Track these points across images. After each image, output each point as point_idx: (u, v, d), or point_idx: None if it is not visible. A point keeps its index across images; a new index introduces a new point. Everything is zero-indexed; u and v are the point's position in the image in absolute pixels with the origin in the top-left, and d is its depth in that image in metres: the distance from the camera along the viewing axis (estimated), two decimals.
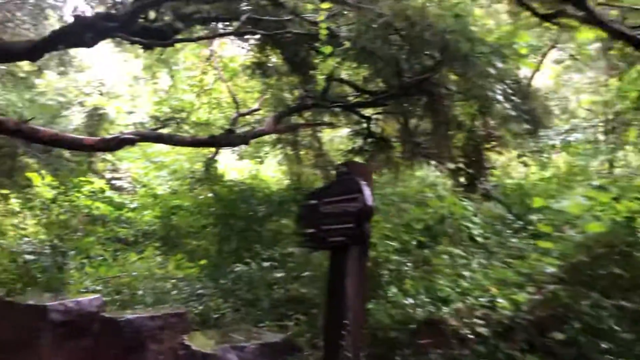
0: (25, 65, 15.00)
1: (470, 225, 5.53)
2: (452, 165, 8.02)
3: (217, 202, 8.53)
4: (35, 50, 6.91)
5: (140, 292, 6.36)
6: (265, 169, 14.72)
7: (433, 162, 8.70)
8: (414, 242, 5.27)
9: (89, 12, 7.34)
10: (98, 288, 7.21)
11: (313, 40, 8.69)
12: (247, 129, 9.16)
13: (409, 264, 4.90)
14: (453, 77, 8.09)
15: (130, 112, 15.15)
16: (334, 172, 4.80)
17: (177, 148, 13.43)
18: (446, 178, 8.30)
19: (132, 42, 8.25)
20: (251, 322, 5.72)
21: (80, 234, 8.34)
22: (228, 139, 7.62)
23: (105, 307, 5.43)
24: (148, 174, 14.02)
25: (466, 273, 4.55)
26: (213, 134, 8.36)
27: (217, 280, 6.89)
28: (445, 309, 4.01)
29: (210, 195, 9.06)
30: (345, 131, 12.57)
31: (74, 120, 15.68)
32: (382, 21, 6.88)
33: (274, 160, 15.40)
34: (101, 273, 7.84)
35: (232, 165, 14.34)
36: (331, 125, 9.95)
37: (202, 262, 7.85)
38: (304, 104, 8.37)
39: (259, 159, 14.50)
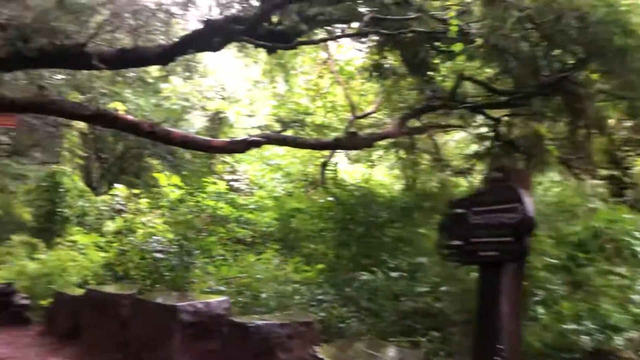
0: (153, 71, 15.92)
1: (631, 240, 4.83)
2: (596, 172, 7.23)
3: (337, 206, 8.36)
4: (166, 55, 7.14)
5: (263, 296, 6.28)
6: (376, 173, 14.41)
7: (571, 169, 7.94)
8: (566, 258, 4.70)
9: (217, 16, 7.45)
10: (221, 288, 7.31)
11: (434, 40, 8.29)
12: (369, 131, 8.92)
13: (561, 282, 4.36)
14: (595, 75, 7.33)
15: (249, 116, 15.54)
16: (486, 178, 4.38)
17: (293, 151, 13.54)
18: (590, 186, 7.50)
19: (257, 45, 8.33)
20: (376, 334, 5.45)
21: (204, 234, 8.53)
22: (352, 141, 7.43)
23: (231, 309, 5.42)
24: (264, 176, 14.29)
25: (635, 297, 3.94)
26: (335, 136, 8.22)
27: (338, 287, 6.68)
28: (616, 338, 3.46)
29: (329, 198, 8.92)
30: (462, 134, 11.98)
31: (195, 124, 16.44)
32: (520, 15, 6.34)
33: (385, 164, 15.05)
34: (223, 273, 7.98)
35: (343, 169, 14.23)
36: (458, 128, 9.43)
37: (319, 266, 7.72)
38: (430, 105, 7.96)
39: (372, 163, 14.21)
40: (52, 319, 6.70)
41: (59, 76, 13.61)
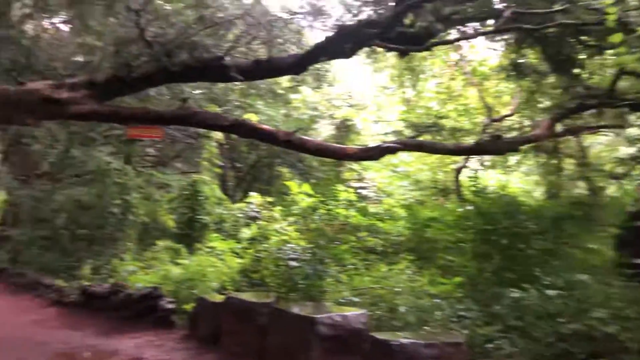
0: (283, 82, 16.36)
1: None
2: None
3: (476, 215, 7.83)
4: (299, 64, 7.13)
5: (401, 310, 5.98)
6: (512, 179, 13.50)
7: None
8: None
9: (349, 22, 7.33)
10: (355, 299, 7.14)
11: (582, 33, 7.50)
12: (511, 134, 8.30)
13: None
14: None
15: (377, 122, 15.36)
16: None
17: (421, 157, 13.11)
18: None
19: (388, 49, 8.10)
20: (529, 357, 4.92)
21: (337, 242, 8.43)
22: (495, 145, 6.92)
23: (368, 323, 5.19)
24: (392, 183, 14.00)
25: None
26: (475, 140, 7.72)
27: (481, 302, 6.19)
28: None
29: (467, 207, 8.40)
30: (610, 136, 10.82)
31: (322, 132, 16.62)
32: None
33: (521, 170, 14.08)
34: (355, 283, 7.81)
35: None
36: (613, 128, 8.48)
37: (457, 279, 7.26)
38: (584, 104, 7.19)
39: (509, 169, 13.34)
40: (195, 324, 6.94)
41: (198, 90, 14.47)
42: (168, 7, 6.63)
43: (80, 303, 8.30)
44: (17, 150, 16.08)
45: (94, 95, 6.12)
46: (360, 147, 6.17)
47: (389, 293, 7.05)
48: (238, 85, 16.57)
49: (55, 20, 9.14)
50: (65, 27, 9.02)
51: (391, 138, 10.32)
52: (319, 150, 6.12)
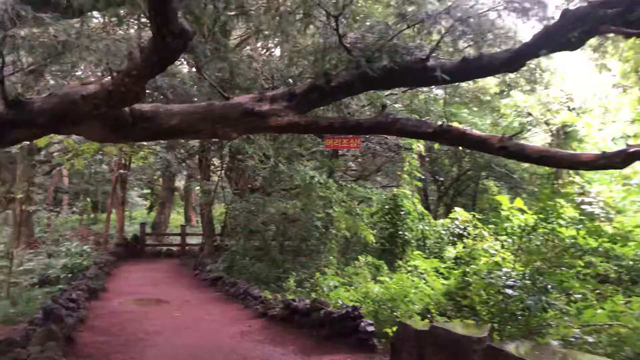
0: (490, 87, 15.13)
1: None
2: None
3: None
4: (515, 60, 6.14)
5: None
6: None
7: None
8: None
9: (577, 4, 6.11)
10: (588, 338, 5.86)
11: None
12: None
13: None
14: None
15: (603, 127, 13.23)
16: None
17: None
18: None
19: (628, 35, 6.63)
20: None
21: (561, 267, 7.14)
22: None
23: None
24: (625, 198, 11.83)
25: None
26: None
27: None
28: None
29: None
30: None
31: (533, 141, 14.91)
32: None
33: None
34: (586, 317, 6.47)
35: None
36: None
37: None
38: None
39: None
40: (396, 351, 6.33)
41: (398, 105, 14.07)
42: (367, 9, 6.23)
43: (283, 317, 8.31)
44: (234, 167, 17.47)
45: (293, 107, 5.96)
46: (597, 153, 4.97)
47: (634, 333, 5.67)
48: (440, 94, 15.85)
49: (267, 42, 9.43)
50: (271, 44, 9.26)
51: (623, 144, 8.55)
52: (543, 158, 5.08)
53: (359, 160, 20.93)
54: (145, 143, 26.51)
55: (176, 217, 31.88)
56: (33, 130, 5.53)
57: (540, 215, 7.30)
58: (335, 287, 9.43)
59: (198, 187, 22.54)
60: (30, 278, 12.54)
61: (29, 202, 19.57)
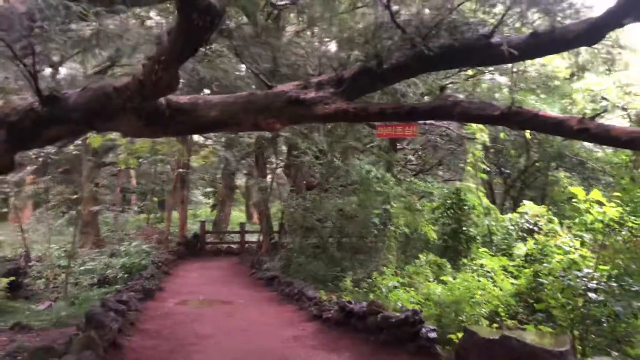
0: (560, 71, 14.00)
1: None
2: None
3: None
4: (594, 31, 5.35)
5: None
6: None
7: None
8: None
9: None
10: None
11: None
12: None
13: None
14: None
15: None
16: None
17: None
18: None
19: None
20: None
21: None
22: None
23: None
24: None
25: None
26: None
27: None
28: None
29: None
30: None
31: None
32: None
33: None
34: None
35: None
36: None
37: None
38: None
39: None
40: None
41: (460, 94, 13.23)
42: None
43: (338, 320, 7.81)
44: (290, 163, 17.12)
45: (341, 93, 5.44)
46: None
47: None
48: (504, 81, 14.84)
49: (313, 25, 8.94)
50: (318, 27, 8.75)
51: None
52: (635, 140, 4.31)
53: (419, 153, 20.14)
54: (206, 142, 26.87)
55: (238, 215, 32.09)
56: (69, 127, 5.27)
57: (627, 208, 6.43)
58: (395, 287, 8.85)
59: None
60: (90, 278, 12.70)
61: (95, 202, 20.08)
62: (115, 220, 23.48)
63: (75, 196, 19.75)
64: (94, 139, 10.69)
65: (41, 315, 9.21)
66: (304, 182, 16.71)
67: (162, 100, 5.12)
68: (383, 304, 7.43)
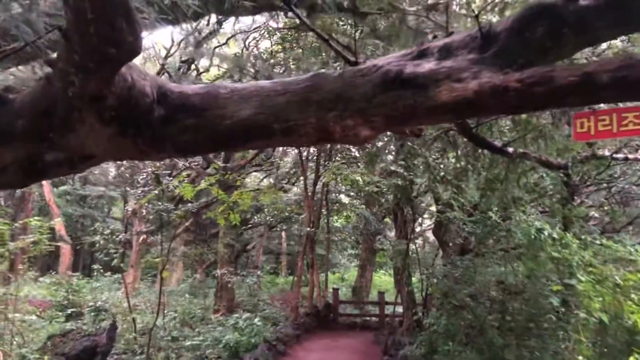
0: None
1: None
2: None
3: None
4: None
5: None
6: None
7: None
8: None
9: None
10: None
11: None
12: None
13: None
14: None
15: None
16: None
17: None
18: None
19: None
20: None
21: None
22: None
23: None
24: None
25: None
26: None
27: None
28: None
29: None
30: None
31: None
32: None
33: None
34: None
35: None
36: None
37: None
38: None
39: None
40: None
41: None
42: None
43: None
44: (441, 221, 14.07)
45: (489, 61, 2.70)
46: None
47: None
48: None
49: None
50: None
51: None
52: None
53: (604, 208, 15.82)
54: (346, 201, 24.90)
55: (387, 280, 29.31)
56: (14, 149, 3.14)
57: None
58: None
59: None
60: (192, 356, 10.68)
61: (228, 264, 18.78)
62: (257, 283, 22.08)
63: (204, 257, 18.69)
64: (186, 190, 8.89)
65: None
66: (457, 243, 13.52)
67: (145, 87, 2.77)
68: None
